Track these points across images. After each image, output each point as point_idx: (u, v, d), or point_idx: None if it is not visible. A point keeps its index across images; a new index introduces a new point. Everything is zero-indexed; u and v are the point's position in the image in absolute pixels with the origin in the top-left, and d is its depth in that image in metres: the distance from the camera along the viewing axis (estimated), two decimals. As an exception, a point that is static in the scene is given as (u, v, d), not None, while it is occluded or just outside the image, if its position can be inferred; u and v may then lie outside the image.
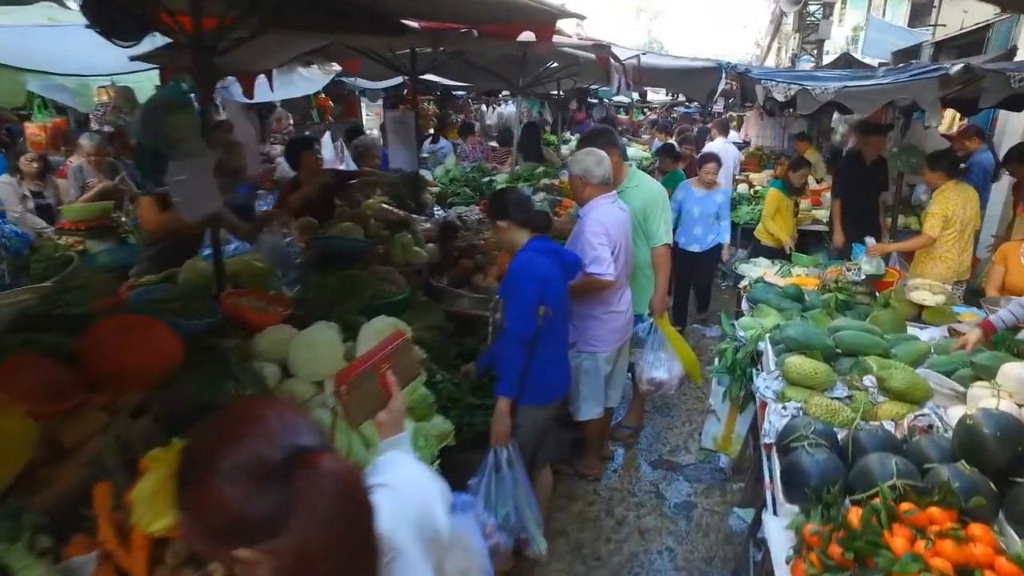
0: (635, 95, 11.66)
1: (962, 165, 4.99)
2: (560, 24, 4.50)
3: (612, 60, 4.29)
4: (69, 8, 3.20)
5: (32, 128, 6.60)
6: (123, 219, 5.14)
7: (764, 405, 2.82)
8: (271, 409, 0.99)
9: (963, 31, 8.54)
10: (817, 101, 4.43)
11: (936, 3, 9.83)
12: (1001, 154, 5.96)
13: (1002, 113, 6.90)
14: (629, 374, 4.11)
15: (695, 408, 4.88)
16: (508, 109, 13.18)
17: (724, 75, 5.73)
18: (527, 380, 2.81)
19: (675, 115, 19.39)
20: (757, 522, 2.91)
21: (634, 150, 11.62)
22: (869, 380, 2.71)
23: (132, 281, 3.05)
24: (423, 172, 7.19)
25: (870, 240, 4.54)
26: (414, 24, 3.83)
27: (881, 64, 8.71)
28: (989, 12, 7.66)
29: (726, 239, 5.94)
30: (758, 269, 4.83)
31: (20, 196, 5.34)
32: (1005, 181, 6.17)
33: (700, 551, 3.40)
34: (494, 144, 9.63)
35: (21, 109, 6.86)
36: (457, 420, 2.87)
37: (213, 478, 0.89)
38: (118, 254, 4.44)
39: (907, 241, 5.09)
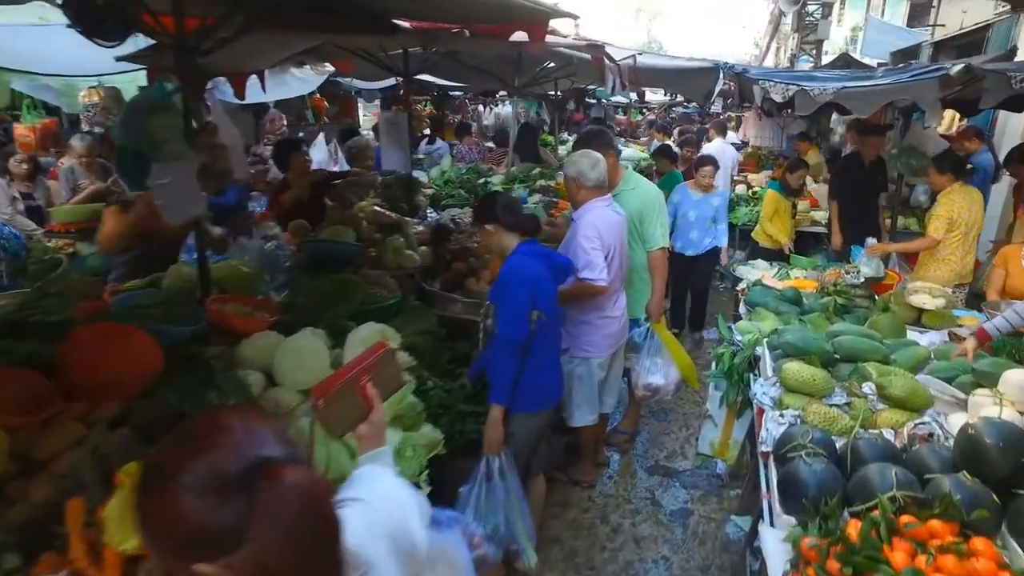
0: (633, 95, 11.60)
1: (968, 166, 4.94)
2: (557, 24, 4.45)
3: (606, 60, 4.23)
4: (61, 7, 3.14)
5: (21, 129, 6.52)
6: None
7: (761, 412, 2.78)
8: (237, 419, 0.96)
9: (962, 31, 8.50)
10: (816, 102, 4.37)
11: (935, 3, 9.79)
12: (1001, 155, 5.91)
13: (1002, 114, 6.85)
14: (625, 379, 4.06)
15: (692, 412, 4.82)
16: (505, 110, 13.12)
17: (722, 75, 5.67)
18: (519, 386, 2.76)
19: (673, 115, 19.35)
20: (754, 530, 2.85)
21: (632, 151, 11.56)
22: (868, 387, 2.66)
23: (115, 286, 2.99)
24: (419, 173, 7.13)
25: (871, 240, 4.49)
26: (405, 24, 3.78)
27: (880, 64, 8.66)
28: (988, 12, 7.62)
29: (723, 243, 5.84)
30: (756, 271, 4.78)
31: (10, 198, 5.29)
32: (1004, 183, 6.13)
33: (696, 560, 3.34)
34: (491, 145, 9.56)
35: (14, 108, 6.79)
36: (448, 428, 2.81)
37: (173, 489, 0.86)
38: (107, 257, 4.37)
39: (910, 242, 5.03)
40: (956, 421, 2.44)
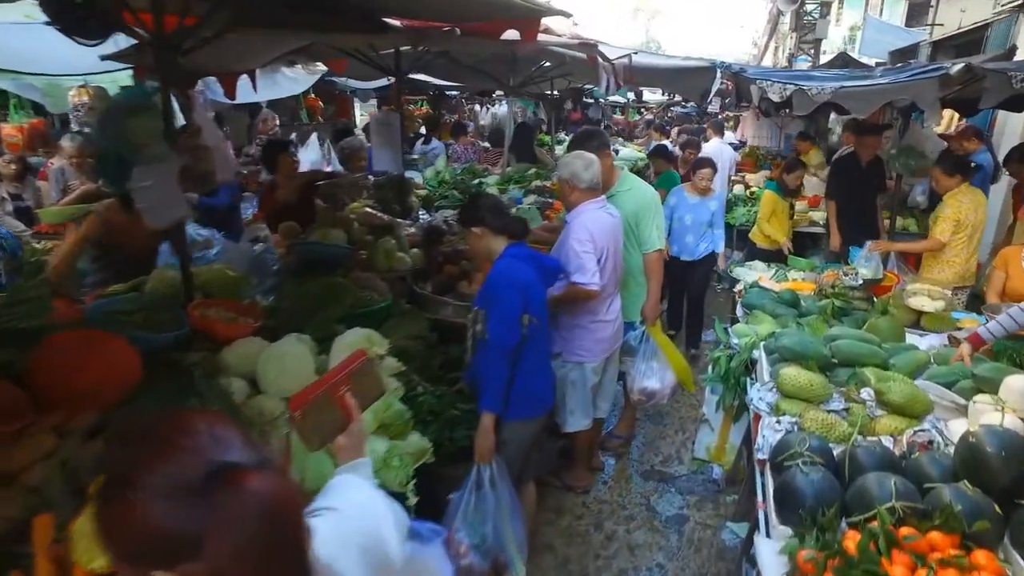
0: (631, 95, 11.54)
1: (972, 165, 4.89)
2: (554, 23, 4.39)
3: (600, 59, 4.17)
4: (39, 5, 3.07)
5: (8, 129, 6.44)
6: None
7: (758, 417, 2.72)
8: (203, 422, 0.93)
9: (961, 30, 8.46)
10: (814, 102, 4.31)
11: (934, 2, 9.74)
12: (1000, 155, 5.86)
13: (1001, 114, 6.80)
14: (620, 383, 4.00)
15: (688, 416, 4.77)
16: (502, 109, 13.06)
17: (719, 75, 5.60)
18: (511, 392, 2.70)
19: (672, 115, 19.30)
20: (751, 538, 2.80)
21: (629, 151, 11.51)
22: (867, 393, 2.61)
23: (99, 291, 2.92)
24: (414, 173, 7.07)
25: (869, 243, 4.43)
26: (396, 22, 3.71)
27: (878, 64, 8.62)
28: (987, 11, 7.57)
29: (720, 248, 5.65)
30: (753, 273, 4.73)
31: (-2, 198, 5.22)
32: (1003, 183, 6.08)
33: (692, 568, 3.28)
34: (487, 145, 9.50)
35: (1, 108, 6.72)
36: (438, 434, 2.75)
37: (131, 492, 0.84)
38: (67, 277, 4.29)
39: (915, 243, 4.97)
40: (956, 428, 2.40)
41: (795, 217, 6.71)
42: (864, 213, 5.72)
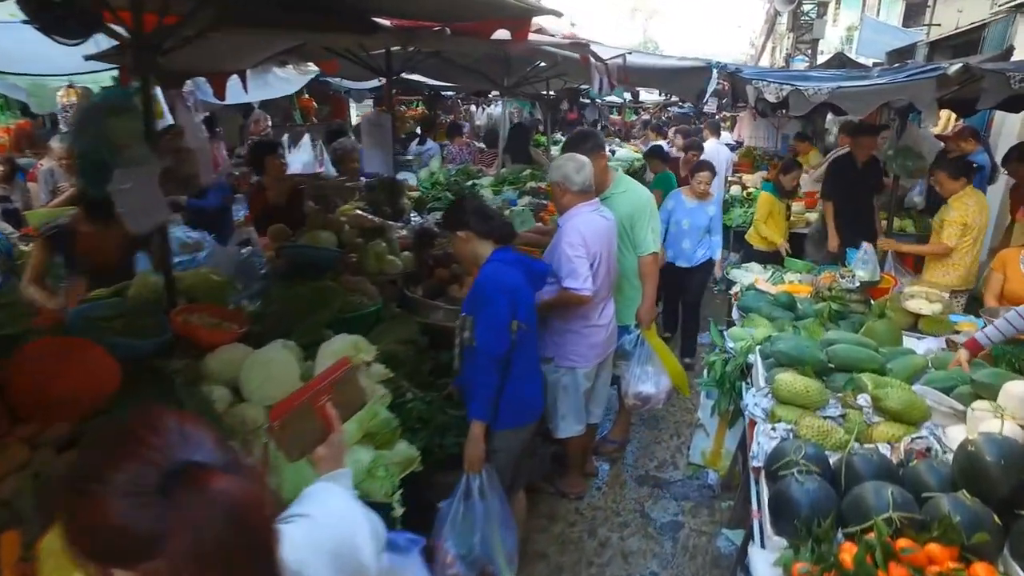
0: (627, 95, 11.49)
1: (975, 165, 4.85)
2: (549, 23, 4.33)
3: (592, 59, 4.12)
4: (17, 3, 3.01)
5: (-7, 130, 6.39)
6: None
7: (753, 424, 2.68)
8: (174, 420, 0.92)
9: (958, 31, 8.43)
10: (810, 102, 4.26)
11: (931, 3, 9.71)
12: (997, 156, 5.82)
13: (998, 114, 6.76)
14: (614, 387, 3.94)
15: (683, 420, 4.72)
16: (498, 110, 13.00)
17: (715, 75, 5.54)
18: (501, 399, 2.65)
19: (669, 115, 19.27)
20: (746, 546, 2.75)
21: (626, 151, 11.47)
22: (864, 399, 2.56)
23: (81, 296, 2.86)
24: (408, 175, 7.00)
25: (866, 244, 4.38)
26: (386, 22, 3.66)
27: (876, 64, 8.59)
28: (984, 12, 7.53)
29: (717, 256, 5.52)
30: (750, 275, 4.68)
31: (-16, 200, 5.16)
32: (1000, 184, 6.04)
33: (686, 576, 3.23)
34: (482, 146, 9.44)
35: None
36: (427, 441, 2.69)
37: (94, 488, 0.83)
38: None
39: (922, 245, 4.91)
40: (955, 434, 2.35)
41: (792, 218, 6.66)
42: (861, 214, 5.67)
